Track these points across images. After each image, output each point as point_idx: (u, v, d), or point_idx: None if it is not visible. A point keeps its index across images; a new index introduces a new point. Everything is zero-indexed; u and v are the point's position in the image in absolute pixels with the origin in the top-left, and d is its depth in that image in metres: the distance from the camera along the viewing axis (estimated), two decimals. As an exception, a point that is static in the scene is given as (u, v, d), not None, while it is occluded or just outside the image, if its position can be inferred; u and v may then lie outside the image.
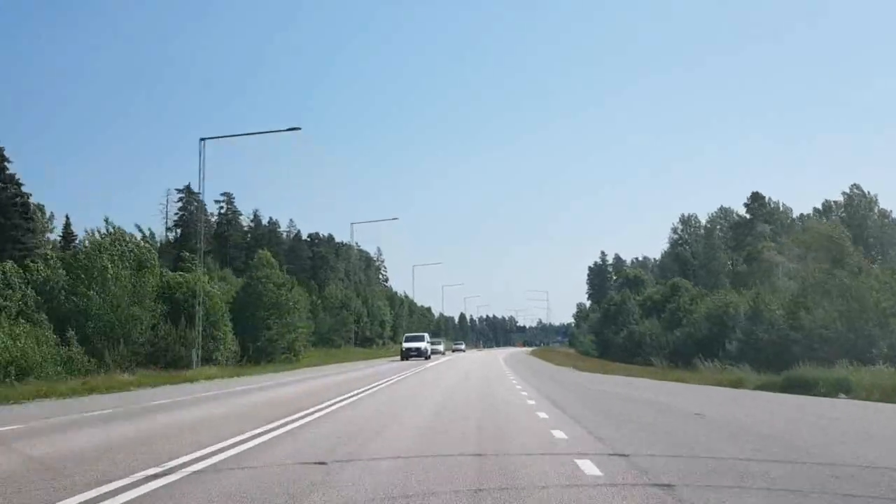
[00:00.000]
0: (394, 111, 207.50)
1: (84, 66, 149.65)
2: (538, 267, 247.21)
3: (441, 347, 73.77)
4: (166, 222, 79.98)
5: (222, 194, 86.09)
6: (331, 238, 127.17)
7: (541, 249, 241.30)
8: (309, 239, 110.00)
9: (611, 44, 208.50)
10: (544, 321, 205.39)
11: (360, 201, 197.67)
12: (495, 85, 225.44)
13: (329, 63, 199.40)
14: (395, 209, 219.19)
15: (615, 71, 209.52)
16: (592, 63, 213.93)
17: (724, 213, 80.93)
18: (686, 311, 52.18)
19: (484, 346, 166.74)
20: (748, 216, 71.79)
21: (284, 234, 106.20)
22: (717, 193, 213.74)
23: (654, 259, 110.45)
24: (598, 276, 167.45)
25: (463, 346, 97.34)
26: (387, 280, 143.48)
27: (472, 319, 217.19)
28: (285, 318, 50.69)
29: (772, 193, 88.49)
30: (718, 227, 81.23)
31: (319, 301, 79.38)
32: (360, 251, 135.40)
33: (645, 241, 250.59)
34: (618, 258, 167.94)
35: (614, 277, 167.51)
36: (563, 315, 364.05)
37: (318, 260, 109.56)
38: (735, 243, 75.53)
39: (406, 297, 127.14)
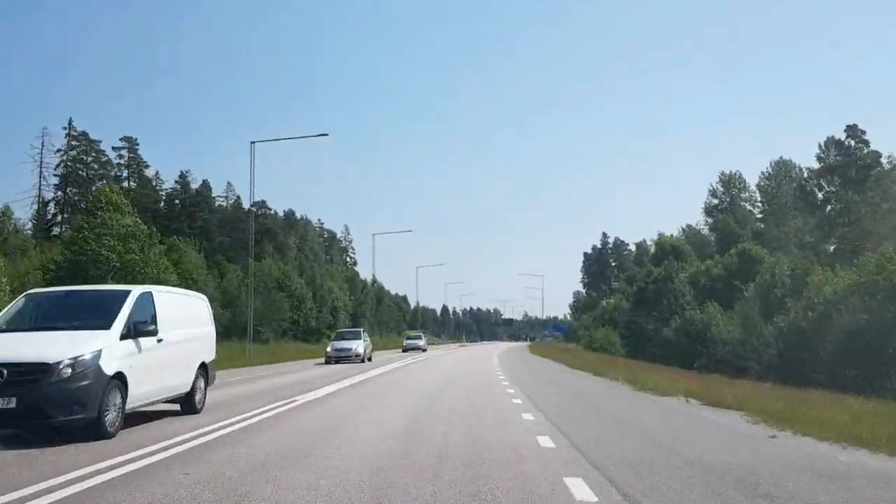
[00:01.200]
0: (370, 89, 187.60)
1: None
2: (521, 258, 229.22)
3: (359, 347, 34.95)
4: (41, 174, 59.00)
5: (123, 139, 65.56)
6: (290, 213, 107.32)
7: (524, 239, 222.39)
8: (253, 209, 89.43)
9: (606, 20, 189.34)
10: (535, 310, 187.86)
11: (335, 184, 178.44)
12: (476, 65, 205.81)
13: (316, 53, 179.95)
14: (377, 197, 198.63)
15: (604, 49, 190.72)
16: (580, 41, 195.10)
17: (784, 167, 61.43)
18: (791, 289, 32.77)
19: (468, 340, 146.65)
20: (837, 159, 51.98)
21: (220, 200, 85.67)
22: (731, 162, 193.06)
23: (672, 235, 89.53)
24: (597, 262, 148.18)
25: (421, 343, 56.52)
26: (355, 264, 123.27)
27: (454, 312, 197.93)
28: (138, 295, 30.74)
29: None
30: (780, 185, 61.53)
31: (245, 281, 59.47)
32: (322, 228, 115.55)
33: (647, 224, 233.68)
34: (619, 241, 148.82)
35: (613, 263, 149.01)
36: (550, 308, 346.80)
37: (264, 234, 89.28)
38: (803, 203, 56.08)
39: (375, 282, 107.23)
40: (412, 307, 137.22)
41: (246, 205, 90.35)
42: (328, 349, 35.42)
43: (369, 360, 35.72)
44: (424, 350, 53.73)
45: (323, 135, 46.67)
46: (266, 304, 54.57)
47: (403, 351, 52.35)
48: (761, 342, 29.68)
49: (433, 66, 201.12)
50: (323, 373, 25.06)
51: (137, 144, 64.81)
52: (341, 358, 33.83)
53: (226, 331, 51.17)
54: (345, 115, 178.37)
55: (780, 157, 61.56)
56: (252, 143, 39.45)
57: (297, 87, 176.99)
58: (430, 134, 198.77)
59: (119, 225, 30.33)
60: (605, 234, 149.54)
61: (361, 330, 40.39)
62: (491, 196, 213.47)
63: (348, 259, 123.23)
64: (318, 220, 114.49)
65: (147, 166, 67.26)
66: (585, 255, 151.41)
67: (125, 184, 65.15)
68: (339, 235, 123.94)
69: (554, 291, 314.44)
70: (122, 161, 65.69)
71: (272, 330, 53.92)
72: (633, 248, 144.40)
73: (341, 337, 37.95)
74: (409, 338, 60.70)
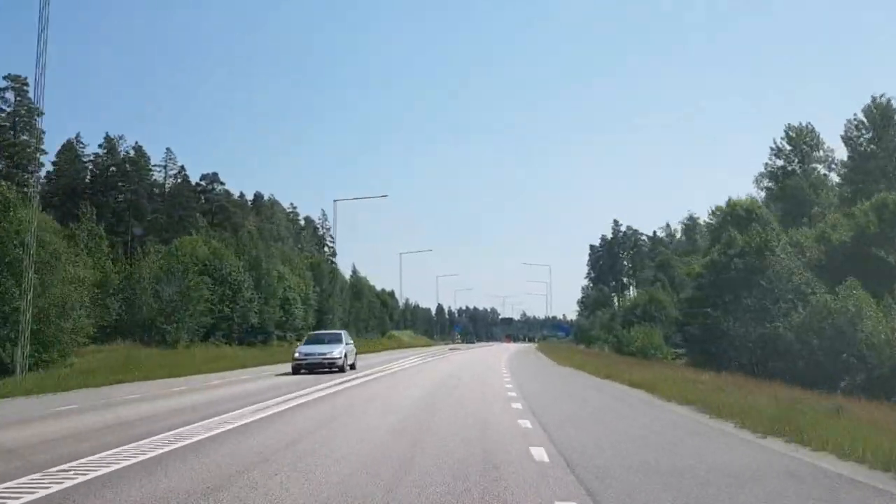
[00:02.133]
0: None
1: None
2: (520, 256, 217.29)
3: None
4: None
5: (7, 77, 50.27)
6: (259, 196, 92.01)
7: (522, 238, 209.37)
8: (202, 184, 74.09)
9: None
10: (534, 309, 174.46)
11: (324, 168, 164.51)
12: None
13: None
14: (368, 187, 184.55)
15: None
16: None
17: (885, 109, 46.03)
18: None
19: (464, 341, 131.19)
20: None
21: (157, 171, 70.03)
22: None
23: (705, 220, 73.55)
24: (608, 254, 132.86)
25: (337, 352, 26.70)
26: (334, 255, 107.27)
27: (450, 311, 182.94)
28: None
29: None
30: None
31: (163, 264, 43.97)
32: (295, 212, 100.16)
33: (648, 220, 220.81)
34: (631, 230, 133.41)
35: (624, 255, 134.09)
36: (550, 307, 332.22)
37: (219, 215, 74.06)
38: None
39: (356, 276, 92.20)
40: (401, 304, 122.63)
41: (193, 178, 75.09)
42: None
43: None
44: (346, 369, 26.68)
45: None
46: (181, 293, 39.41)
47: (295, 371, 25.56)
48: None
49: (433, 62, 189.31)
50: None
51: (27, 85, 49.19)
52: None
53: (113, 332, 36.01)
54: (344, 114, 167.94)
55: (882, 96, 45.89)
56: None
57: (296, 87, 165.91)
58: (427, 132, 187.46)
59: None
60: (616, 222, 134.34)
61: None
62: (489, 194, 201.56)
63: (327, 249, 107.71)
64: (291, 204, 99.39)
65: (41, 114, 51.54)
66: (592, 247, 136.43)
67: (10, 135, 49.62)
68: (317, 222, 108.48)
69: (553, 291, 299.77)
70: (7, 108, 50.05)
71: (186, 329, 38.69)
72: (645, 239, 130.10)
73: None
74: (308, 341, 29.08)
